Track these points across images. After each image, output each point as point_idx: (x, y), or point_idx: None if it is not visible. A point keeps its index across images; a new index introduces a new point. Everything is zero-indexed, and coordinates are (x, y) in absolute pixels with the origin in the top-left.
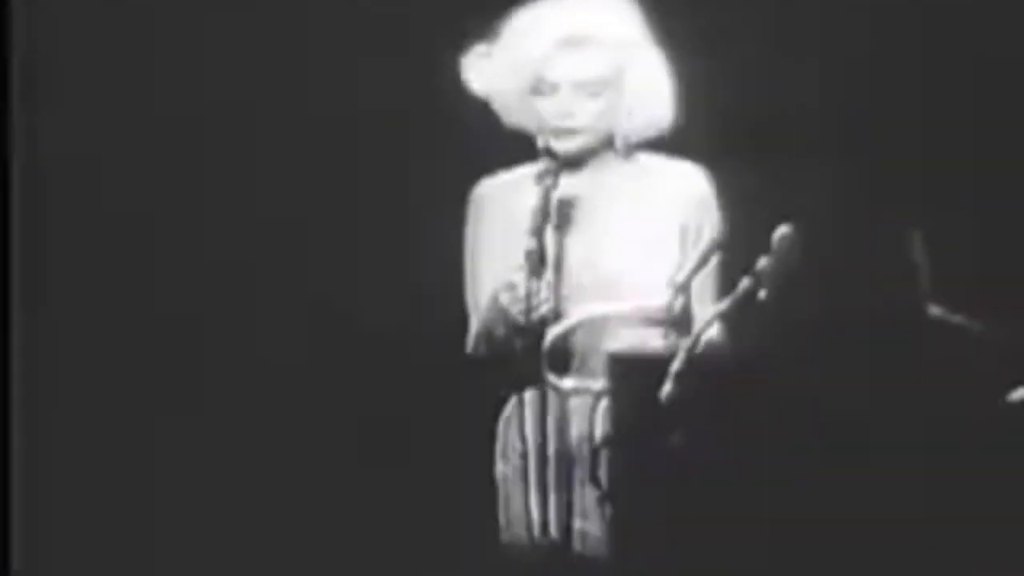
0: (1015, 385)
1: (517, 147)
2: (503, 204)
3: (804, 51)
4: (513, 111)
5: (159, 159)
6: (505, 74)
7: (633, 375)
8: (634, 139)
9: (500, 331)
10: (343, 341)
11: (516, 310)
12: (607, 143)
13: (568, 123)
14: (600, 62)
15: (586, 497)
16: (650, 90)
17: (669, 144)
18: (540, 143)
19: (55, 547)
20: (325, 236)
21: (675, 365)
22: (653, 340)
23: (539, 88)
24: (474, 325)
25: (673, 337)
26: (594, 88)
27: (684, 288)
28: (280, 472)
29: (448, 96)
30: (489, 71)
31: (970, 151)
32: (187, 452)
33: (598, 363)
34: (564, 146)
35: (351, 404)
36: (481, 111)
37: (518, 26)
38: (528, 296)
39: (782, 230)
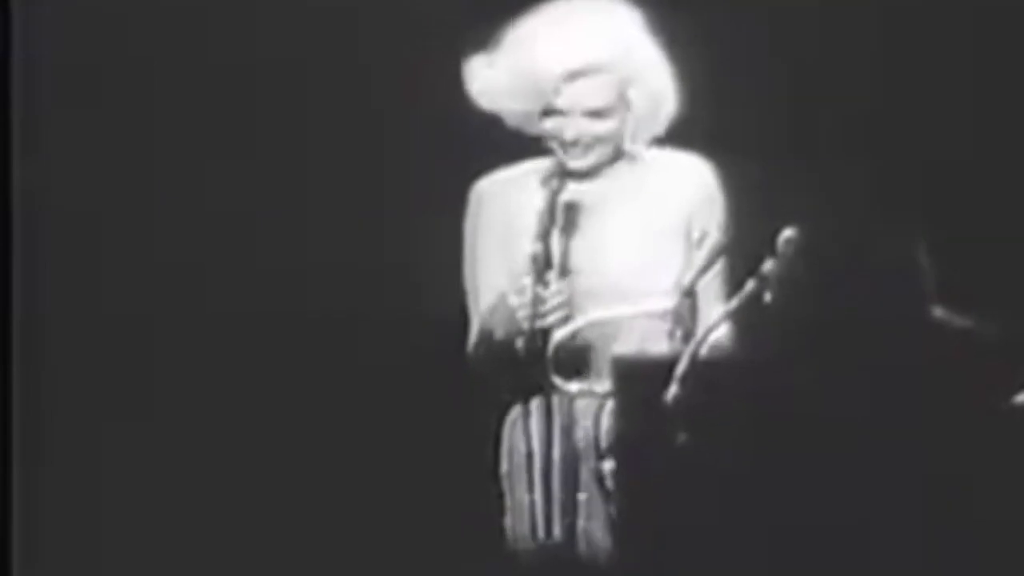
0: (1020, 387)
1: (519, 144)
2: (504, 201)
3: (807, 53)
4: (522, 125)
5: (160, 161)
6: (513, 97)
7: (638, 378)
8: (641, 140)
9: (500, 333)
10: (346, 343)
11: (523, 314)
12: (616, 154)
13: (579, 142)
14: (607, 90)
15: (591, 499)
16: (656, 98)
17: (672, 145)
18: (547, 144)
19: (55, 549)
20: (327, 238)
21: (680, 368)
22: (658, 343)
23: (548, 112)
24: (475, 324)
25: (678, 340)
26: (603, 113)
27: (689, 291)
28: (282, 474)
29: (450, 93)
30: (496, 90)
31: (975, 152)
32: (188, 455)
33: (604, 366)
34: (578, 164)
35: (354, 407)
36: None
37: (521, 45)
38: (535, 302)
39: (787, 233)
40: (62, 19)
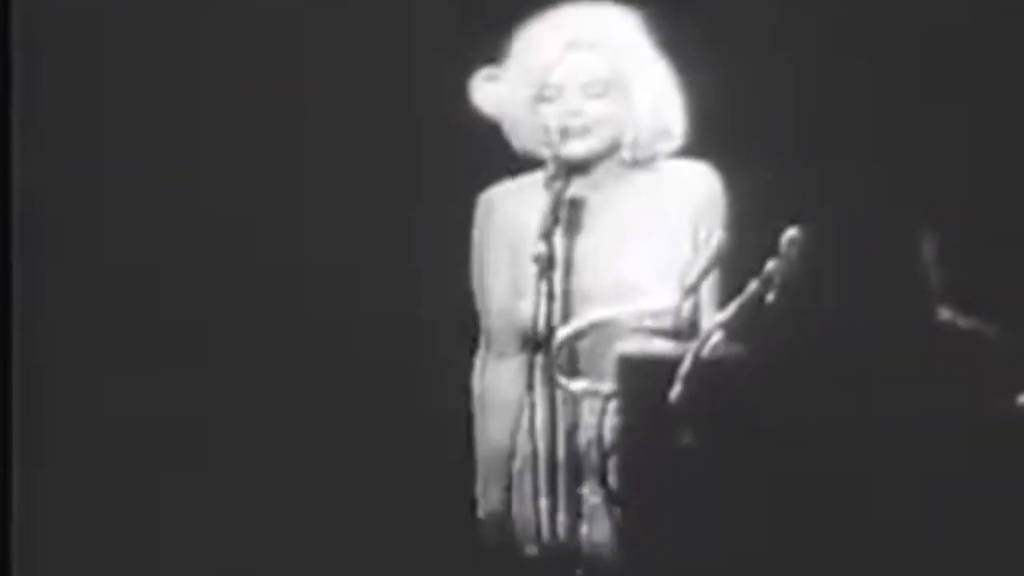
0: None
1: (525, 158)
2: (511, 209)
3: (809, 55)
4: (522, 126)
5: (160, 162)
6: (512, 88)
7: (642, 377)
8: (645, 151)
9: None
10: (348, 345)
11: None
12: (615, 149)
13: (575, 122)
14: (604, 64)
15: (594, 498)
16: (659, 100)
17: (676, 149)
18: (548, 154)
19: (55, 549)
20: (329, 240)
21: (684, 367)
22: (662, 342)
23: (544, 94)
24: (482, 340)
25: (682, 339)
26: (598, 89)
27: (693, 291)
28: (284, 474)
29: (458, 105)
30: (497, 90)
31: (979, 152)
32: (188, 455)
33: (608, 366)
34: (573, 149)
35: (359, 408)
36: (490, 123)
37: (523, 39)
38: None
39: (790, 233)
40: (63, 18)
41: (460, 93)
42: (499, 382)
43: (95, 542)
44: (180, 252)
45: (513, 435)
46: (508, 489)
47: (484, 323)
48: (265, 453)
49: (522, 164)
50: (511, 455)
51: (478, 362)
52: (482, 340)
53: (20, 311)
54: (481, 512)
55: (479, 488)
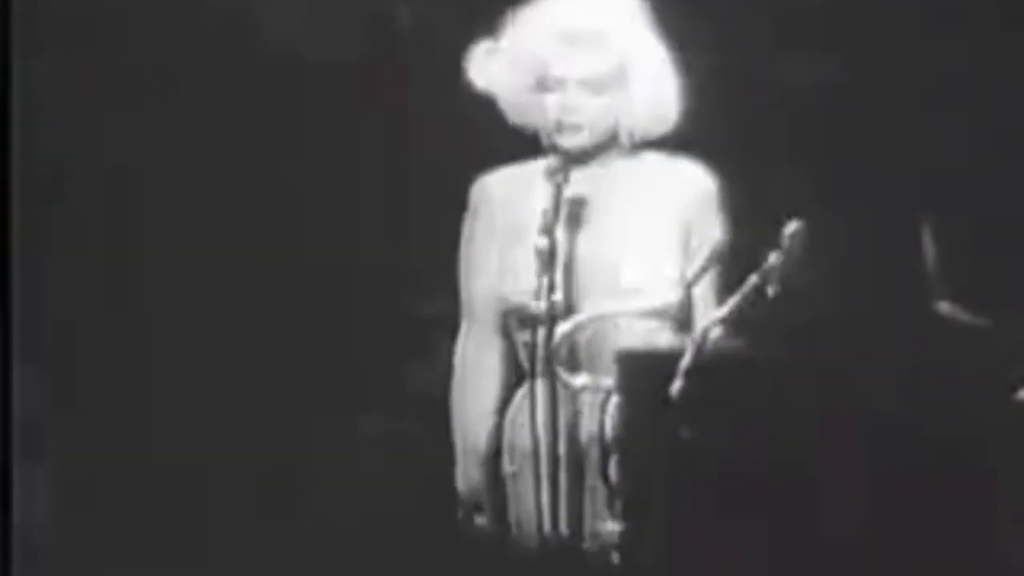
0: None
1: (521, 142)
2: (505, 199)
3: (809, 49)
4: (518, 107)
5: (161, 160)
6: (511, 70)
7: (642, 372)
8: (640, 135)
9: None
10: (346, 339)
11: None
12: (612, 138)
13: (574, 119)
14: (605, 60)
15: (596, 495)
16: (656, 86)
17: (675, 142)
18: (545, 141)
19: (55, 549)
20: (330, 237)
21: (684, 361)
22: (663, 337)
23: (545, 84)
24: (464, 322)
25: (683, 334)
26: (599, 85)
27: (692, 286)
28: (283, 474)
29: (453, 90)
30: (494, 68)
31: (978, 149)
32: (189, 455)
33: (609, 360)
34: (570, 142)
35: (360, 405)
36: (486, 106)
37: (523, 21)
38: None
39: (792, 226)
40: (63, 17)
41: (458, 80)
42: (480, 364)
43: (95, 542)
44: (180, 251)
45: (492, 414)
46: (483, 465)
47: (467, 306)
48: (265, 453)
49: (520, 152)
50: (489, 435)
51: (460, 341)
52: (464, 322)
53: (20, 311)
54: (460, 488)
55: (458, 467)
